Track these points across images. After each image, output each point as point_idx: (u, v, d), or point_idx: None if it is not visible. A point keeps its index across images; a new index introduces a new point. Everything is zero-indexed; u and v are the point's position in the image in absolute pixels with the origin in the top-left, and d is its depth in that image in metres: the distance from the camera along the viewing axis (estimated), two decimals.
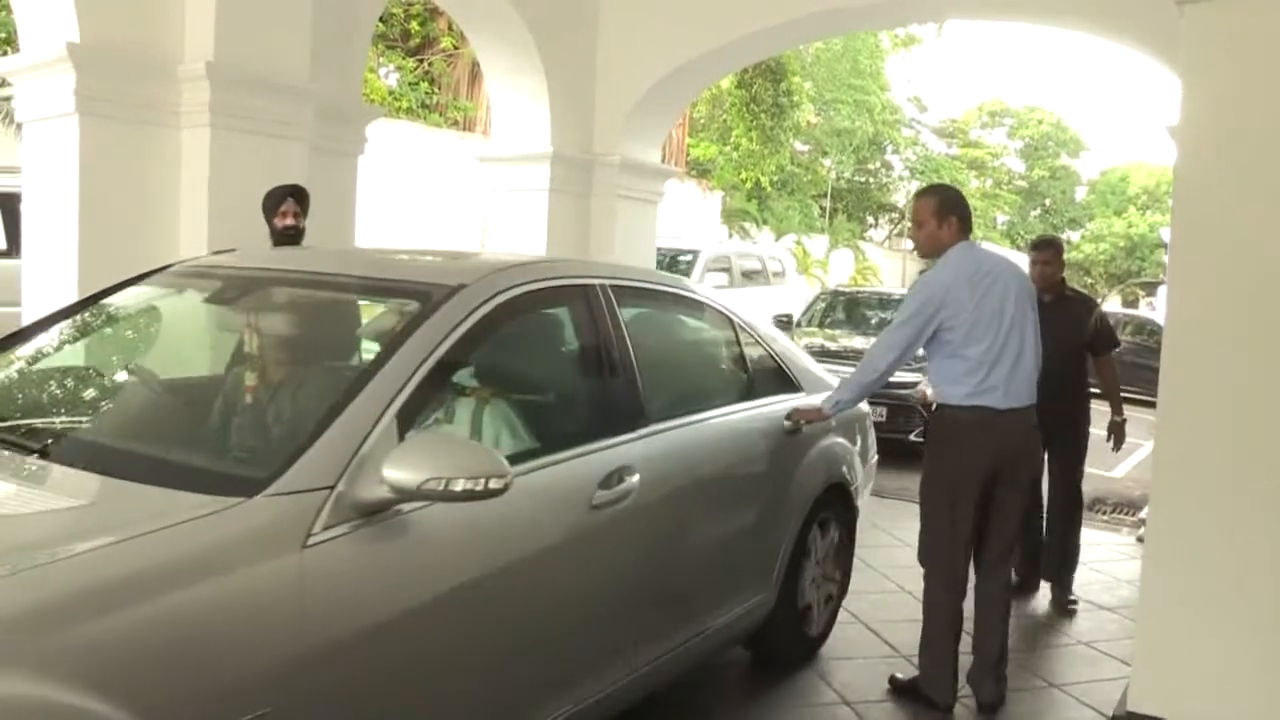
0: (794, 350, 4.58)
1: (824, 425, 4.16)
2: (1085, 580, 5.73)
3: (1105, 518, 7.84)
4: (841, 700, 3.91)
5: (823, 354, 9.80)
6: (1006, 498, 3.82)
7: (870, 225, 41.72)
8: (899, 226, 43.30)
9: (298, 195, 4.66)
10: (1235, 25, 3.34)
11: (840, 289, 14.44)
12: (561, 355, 3.34)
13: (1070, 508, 5.47)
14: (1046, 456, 4.77)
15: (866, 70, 33.50)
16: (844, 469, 4.38)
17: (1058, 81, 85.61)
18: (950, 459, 3.79)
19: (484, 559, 2.46)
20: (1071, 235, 46.43)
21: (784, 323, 12.97)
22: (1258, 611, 3.34)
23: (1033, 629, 4.92)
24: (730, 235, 25.44)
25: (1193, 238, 3.50)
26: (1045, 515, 5.44)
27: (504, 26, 7.01)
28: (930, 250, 3.85)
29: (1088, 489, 8.56)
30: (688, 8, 7.13)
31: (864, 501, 4.75)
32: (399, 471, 2.15)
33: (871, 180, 40.58)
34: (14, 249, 7.17)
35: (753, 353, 4.12)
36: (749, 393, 3.96)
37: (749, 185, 26.76)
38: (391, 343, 2.48)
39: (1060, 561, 5.36)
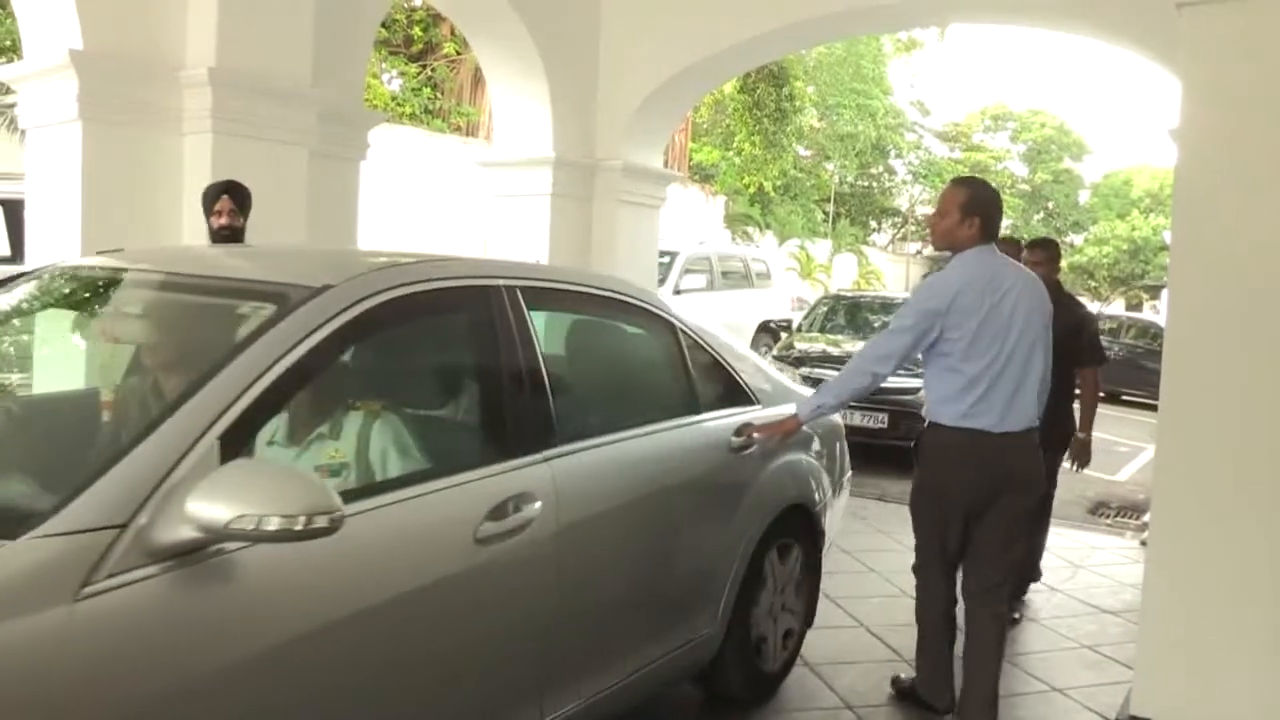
0: (752, 360, 4.20)
1: (784, 440, 3.79)
2: (1089, 584, 5.73)
3: (1109, 521, 7.83)
4: (844, 705, 3.90)
5: (824, 359, 9.77)
6: (999, 524, 3.55)
7: (873, 230, 41.75)
8: (902, 231, 43.33)
9: (233, 192, 4.35)
10: (1233, 27, 3.34)
11: (842, 293, 14.37)
12: (451, 367, 2.95)
13: (1034, 522, 4.94)
14: None
15: (869, 74, 33.54)
16: (808, 488, 4.00)
17: (1060, 85, 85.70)
18: (937, 483, 3.59)
19: (328, 607, 2.08)
20: (1075, 239, 46.40)
21: (781, 327, 12.84)
22: (1260, 615, 3.34)
23: (1034, 632, 4.91)
24: (733, 239, 25.46)
25: (1193, 240, 3.50)
26: None
27: (506, 31, 7.02)
28: (944, 243, 3.62)
29: (1090, 494, 8.58)
30: (690, 12, 7.14)
31: (835, 523, 4.37)
32: (204, 507, 1.81)
33: (874, 184, 40.62)
34: (18, 255, 7.19)
35: (699, 362, 3.68)
36: (692, 406, 3.55)
37: (752, 190, 26.78)
38: (229, 352, 2.12)
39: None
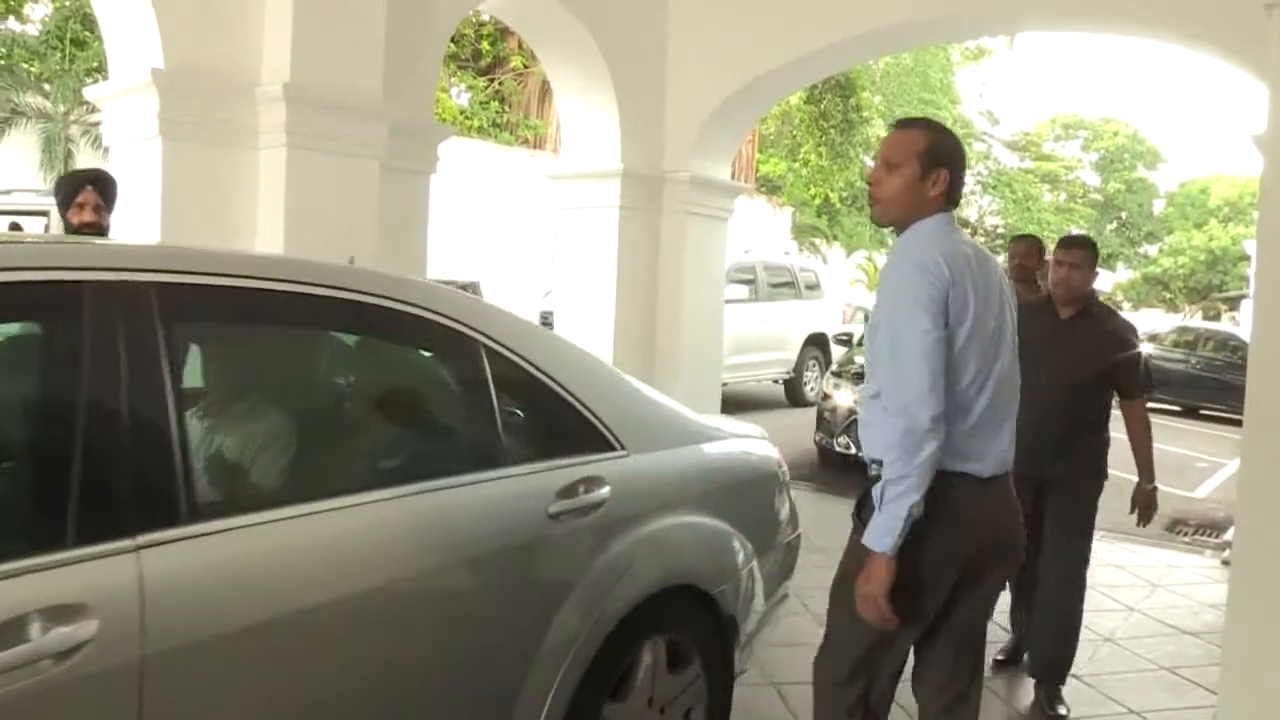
0: (631, 392, 3.12)
1: (652, 498, 2.86)
2: (1167, 603, 5.59)
3: (1187, 540, 7.63)
4: None
5: None
6: (977, 611, 2.65)
7: None
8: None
9: (99, 183, 3.83)
10: None
11: None
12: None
13: (1070, 589, 4.14)
14: (1046, 520, 4.07)
15: (937, 84, 33.25)
16: (704, 562, 3.02)
17: (1134, 92, 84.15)
18: (917, 559, 2.41)
19: None
20: (1149, 249, 45.48)
21: (841, 340, 12.38)
22: None
23: (1111, 652, 4.79)
24: (801, 251, 25.34)
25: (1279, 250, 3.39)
26: (1039, 596, 4.21)
27: (574, 45, 7.06)
28: (899, 211, 2.56)
29: (1167, 510, 8.37)
30: (757, 24, 7.12)
31: (765, 611, 3.29)
32: None
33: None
34: None
35: (517, 395, 2.73)
36: (487, 457, 2.58)
37: (819, 201, 26.67)
38: None
39: (1052, 656, 4.13)
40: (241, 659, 1.92)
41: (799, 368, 14.35)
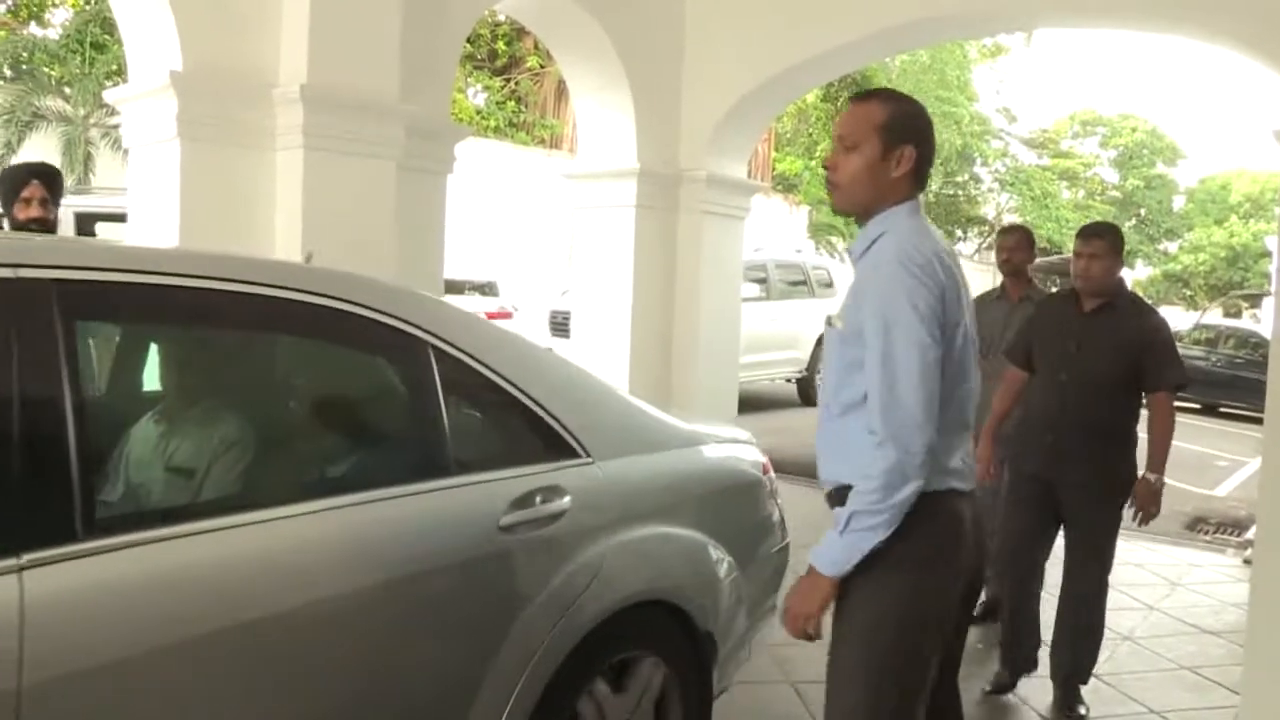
0: (590, 392, 2.93)
1: (619, 508, 2.66)
2: (1188, 602, 5.56)
3: (1208, 538, 7.59)
4: None
5: None
6: (957, 642, 2.46)
7: (959, 238, 41.09)
8: (988, 240, 42.60)
9: (45, 177, 3.70)
10: None
11: None
12: None
13: (1092, 600, 3.99)
14: (1064, 528, 3.98)
15: (954, 82, 33.12)
16: (677, 576, 2.85)
17: (1152, 88, 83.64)
18: (926, 589, 2.20)
19: None
20: (1169, 246, 45.22)
21: None
22: None
23: (1131, 651, 4.77)
24: (817, 250, 25.28)
25: None
26: (1060, 605, 4.08)
27: (590, 44, 7.06)
28: (861, 196, 2.28)
29: (1188, 509, 8.32)
30: (773, 22, 7.11)
31: (750, 626, 3.11)
32: None
33: (960, 193, 39.99)
34: None
35: (468, 399, 2.58)
36: (433, 465, 2.41)
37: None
38: None
39: (1071, 658, 4.02)
40: (137, 691, 1.74)
41: (812, 367, 14.26)
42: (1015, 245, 5.13)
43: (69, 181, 14.83)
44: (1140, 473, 3.85)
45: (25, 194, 3.68)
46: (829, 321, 2.30)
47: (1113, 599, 3.90)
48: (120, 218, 9.27)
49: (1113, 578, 3.98)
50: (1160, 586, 5.84)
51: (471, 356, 2.51)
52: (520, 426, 2.61)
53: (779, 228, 23.66)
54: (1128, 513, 3.91)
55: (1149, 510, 3.83)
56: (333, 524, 2.12)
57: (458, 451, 2.45)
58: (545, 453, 2.61)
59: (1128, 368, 3.78)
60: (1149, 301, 4.32)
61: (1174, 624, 5.20)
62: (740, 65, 7.28)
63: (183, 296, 2.06)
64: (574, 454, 2.65)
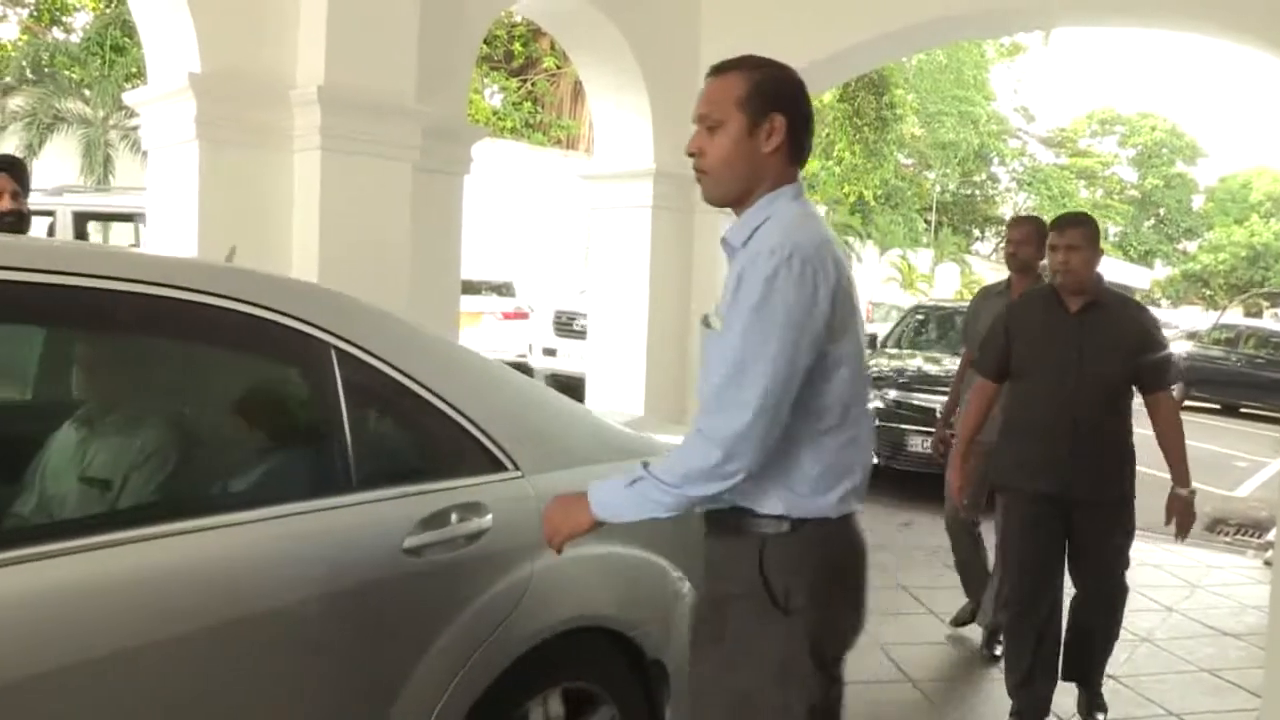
0: (522, 399, 2.66)
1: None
2: (1207, 604, 5.52)
3: (1228, 540, 7.54)
4: None
5: (921, 381, 8.70)
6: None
7: (976, 238, 40.98)
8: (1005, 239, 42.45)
9: (14, 170, 3.63)
10: None
11: (941, 302, 13.21)
12: None
13: (1107, 606, 3.79)
14: (1068, 545, 3.69)
15: (971, 81, 33.05)
16: (619, 600, 2.60)
17: (1172, 86, 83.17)
18: (814, 626, 1.94)
19: None
20: (1188, 245, 44.95)
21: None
22: None
23: (1149, 653, 4.74)
24: None
25: None
26: (1069, 611, 3.84)
27: (606, 45, 7.06)
28: (732, 180, 2.00)
29: (1207, 509, 8.26)
30: (790, 22, 7.10)
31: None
32: None
33: (977, 193, 39.90)
34: None
35: (376, 408, 2.34)
36: (329, 482, 2.17)
37: (852, 199, 26.57)
38: None
39: (1088, 657, 3.85)
40: None
41: None
42: (1024, 238, 4.67)
43: (89, 182, 14.94)
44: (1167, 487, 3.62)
45: None
46: (705, 321, 2.01)
47: (1131, 600, 3.86)
48: (113, 217, 9.42)
49: (1131, 579, 3.83)
50: (1179, 588, 5.81)
51: (382, 360, 2.26)
52: (439, 438, 2.36)
53: None
54: (1141, 507, 3.71)
55: (1185, 523, 3.61)
56: (192, 548, 1.89)
57: (361, 466, 2.19)
58: (467, 466, 2.37)
59: (1129, 368, 3.57)
60: (1159, 304, 4.10)
61: (1193, 626, 5.16)
62: None
63: (47, 295, 1.86)
64: (499, 467, 2.40)
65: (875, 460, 7.63)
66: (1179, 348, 16.46)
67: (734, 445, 1.83)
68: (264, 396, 2.35)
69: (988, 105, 34.86)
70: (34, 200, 8.39)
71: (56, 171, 15.17)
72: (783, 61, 2.08)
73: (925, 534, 6.68)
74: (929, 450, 6.67)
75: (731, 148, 1.96)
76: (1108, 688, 4.05)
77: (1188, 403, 15.60)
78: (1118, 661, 4.16)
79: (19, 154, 15.20)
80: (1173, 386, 3.79)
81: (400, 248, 4.87)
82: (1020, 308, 3.90)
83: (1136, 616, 5.07)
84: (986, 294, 4.97)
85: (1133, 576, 3.88)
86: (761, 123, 1.96)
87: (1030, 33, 28.72)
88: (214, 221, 4.62)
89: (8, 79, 17.20)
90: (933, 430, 5.98)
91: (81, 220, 8.42)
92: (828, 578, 1.96)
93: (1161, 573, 6.07)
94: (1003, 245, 4.74)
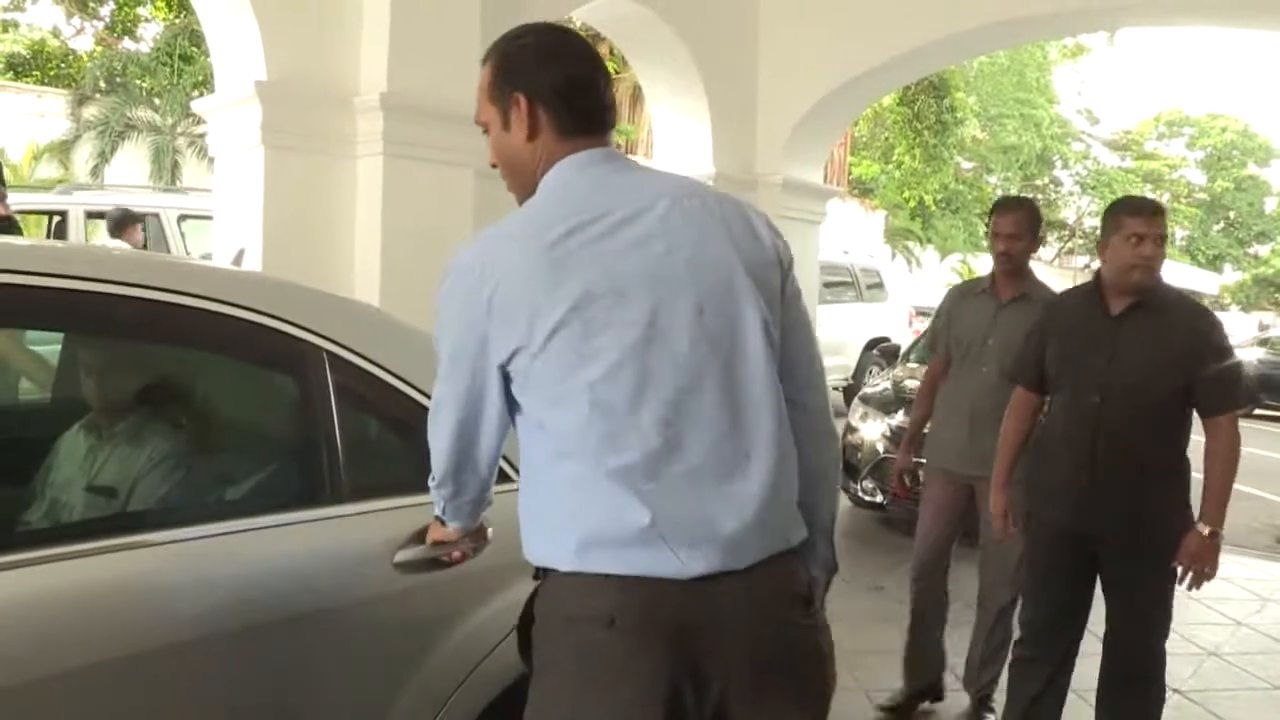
0: None
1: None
2: (1275, 618, 5.38)
3: None
4: None
5: None
6: None
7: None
8: (1069, 244, 41.78)
9: None
10: None
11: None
12: None
13: (1127, 685, 3.13)
14: (1103, 589, 3.14)
15: (1033, 83, 32.60)
16: None
17: (1243, 86, 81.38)
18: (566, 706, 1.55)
19: None
20: (1260, 249, 43.94)
21: (889, 354, 10.36)
22: None
23: (1218, 667, 4.63)
24: (894, 255, 25.03)
25: None
26: (1099, 691, 3.20)
27: (665, 50, 7.08)
28: (515, 182, 1.76)
29: (1277, 521, 8.04)
30: (850, 26, 7.06)
31: None
32: None
33: (1039, 197, 39.32)
34: None
35: (372, 415, 2.23)
36: (316, 492, 2.05)
37: (912, 204, 26.34)
38: None
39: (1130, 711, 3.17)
40: None
41: (859, 373, 13.22)
42: (1014, 231, 3.70)
43: (160, 184, 15.30)
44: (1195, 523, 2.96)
45: None
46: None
47: (1197, 613, 3.69)
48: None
49: (1199, 592, 3.20)
50: (1249, 602, 5.66)
51: (378, 365, 2.15)
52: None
53: (855, 232, 23.46)
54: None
55: (1201, 571, 2.92)
56: (170, 561, 1.79)
57: (353, 476, 2.07)
58: None
59: (1178, 383, 2.95)
60: (1228, 309, 3.42)
61: (1264, 641, 5.03)
62: (816, 70, 7.24)
63: (23, 296, 1.78)
64: (503, 478, 2.12)
65: (879, 499, 6.77)
66: (1250, 354, 16.07)
67: (437, 479, 1.78)
68: (253, 402, 2.27)
69: (1050, 108, 34.35)
70: (46, 200, 8.82)
71: (127, 177, 15.53)
72: (570, 26, 1.84)
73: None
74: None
75: (496, 148, 1.74)
76: (1172, 702, 3.85)
77: (1259, 411, 15.24)
78: (1183, 677, 4.06)
79: (93, 161, 15.60)
80: (1240, 409, 3.05)
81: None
82: (1056, 308, 3.40)
83: (1203, 630, 4.96)
84: (964, 293, 4.05)
85: (1200, 589, 3.22)
86: (506, 112, 1.69)
87: (1095, 33, 28.28)
88: (278, 226, 4.70)
89: (83, 89, 17.67)
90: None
91: (92, 219, 8.77)
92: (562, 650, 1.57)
93: (1230, 586, 5.92)
94: (987, 234, 3.95)
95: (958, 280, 27.63)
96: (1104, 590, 3.14)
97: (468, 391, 1.62)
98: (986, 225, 4.26)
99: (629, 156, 1.73)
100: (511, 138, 1.69)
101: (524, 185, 1.71)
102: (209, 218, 8.96)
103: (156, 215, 8.86)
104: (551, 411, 1.55)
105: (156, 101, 17.44)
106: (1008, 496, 3.33)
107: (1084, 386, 3.07)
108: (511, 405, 1.63)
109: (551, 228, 1.56)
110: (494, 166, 1.78)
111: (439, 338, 1.64)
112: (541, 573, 1.61)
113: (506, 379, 1.59)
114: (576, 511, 1.54)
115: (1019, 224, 3.68)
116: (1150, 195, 39.93)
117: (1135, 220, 2.98)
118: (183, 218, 9.12)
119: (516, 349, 1.54)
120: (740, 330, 1.60)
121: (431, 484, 1.80)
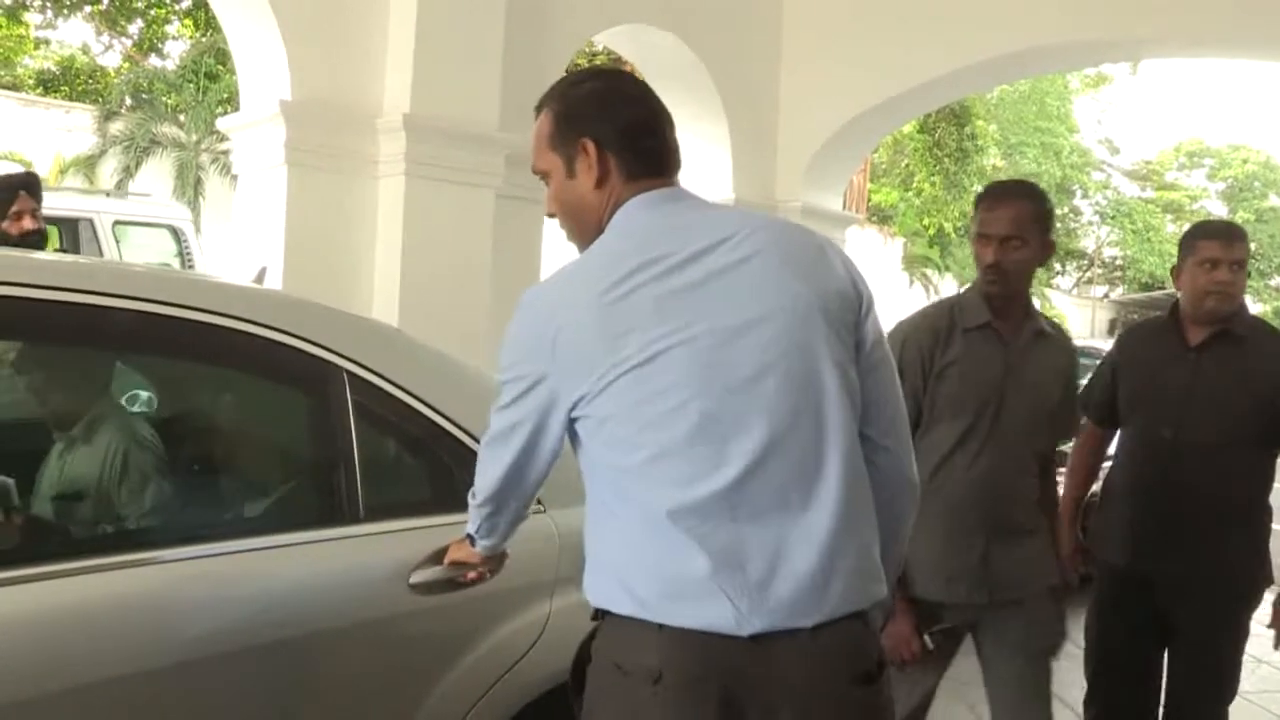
0: None
1: (573, 565, 1.89)
2: None
3: None
4: None
5: None
6: None
7: (1057, 273, 40.26)
8: (1088, 274, 41.63)
9: (30, 187, 3.61)
10: None
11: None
12: None
13: None
14: (1168, 654, 2.93)
15: (1054, 112, 32.57)
16: None
17: (1265, 117, 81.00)
18: None
19: None
20: None
21: None
22: None
23: (1237, 708, 4.55)
24: (911, 283, 24.98)
25: None
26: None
27: (686, 75, 7.09)
28: (579, 229, 1.75)
29: None
30: (871, 53, 7.06)
31: None
32: None
33: (1059, 226, 39.26)
34: None
35: (390, 435, 2.22)
36: (336, 512, 2.03)
37: (931, 231, 26.28)
38: None
39: None
40: None
41: None
42: (1010, 232, 2.48)
43: (183, 199, 15.43)
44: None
45: (16, 208, 3.58)
46: None
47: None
48: (147, 225, 9.79)
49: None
50: (1268, 639, 5.58)
51: (398, 385, 2.13)
52: (457, 468, 2.14)
53: (874, 260, 23.44)
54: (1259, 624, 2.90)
55: None
56: (177, 578, 1.79)
57: (370, 496, 2.05)
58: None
59: (1262, 420, 2.71)
60: None
61: None
62: (836, 97, 7.24)
63: (18, 309, 1.76)
64: None
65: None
66: None
67: (474, 503, 1.84)
68: (270, 420, 2.27)
69: (1071, 137, 34.32)
70: (73, 206, 8.90)
71: (150, 193, 15.68)
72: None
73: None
74: None
75: (559, 196, 1.73)
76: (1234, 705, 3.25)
77: None
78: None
79: (118, 176, 15.74)
80: None
81: (481, 273, 4.93)
82: (1131, 338, 3.20)
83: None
84: (965, 338, 2.73)
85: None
86: (573, 158, 1.68)
87: (1118, 64, 28.28)
88: (300, 244, 4.72)
89: (110, 105, 17.86)
90: None
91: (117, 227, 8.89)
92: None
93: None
94: (969, 234, 2.86)
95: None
96: (1169, 648, 2.93)
97: (529, 428, 1.64)
98: (968, 222, 3.48)
99: (697, 195, 1.78)
100: (578, 185, 1.69)
101: (586, 233, 1.72)
102: (146, 224, 9.10)
103: (90, 220, 8.71)
104: (612, 453, 1.54)
105: (181, 118, 17.60)
106: (1071, 536, 3.04)
107: (1156, 420, 2.85)
108: (574, 441, 1.63)
109: (618, 267, 1.56)
110: (551, 216, 1.78)
111: (505, 368, 1.65)
112: (600, 614, 1.59)
113: (569, 418, 1.59)
114: (634, 555, 1.53)
115: (1018, 222, 2.47)
116: (1171, 225, 39.87)
117: (1209, 244, 2.81)
118: (117, 223, 9.01)
119: (581, 395, 1.54)
120: (811, 368, 1.54)
121: (472, 500, 1.81)
